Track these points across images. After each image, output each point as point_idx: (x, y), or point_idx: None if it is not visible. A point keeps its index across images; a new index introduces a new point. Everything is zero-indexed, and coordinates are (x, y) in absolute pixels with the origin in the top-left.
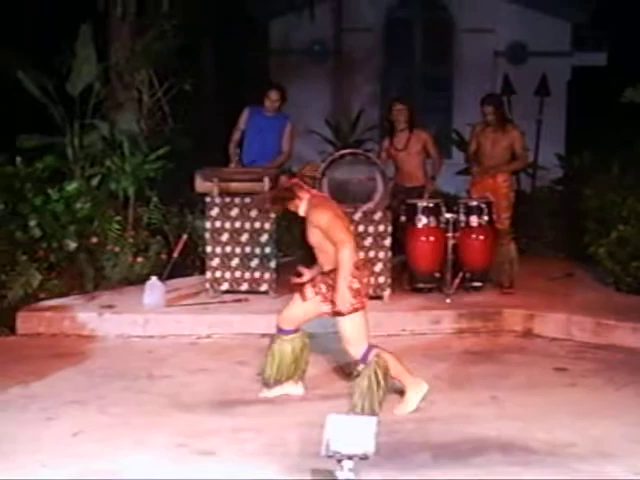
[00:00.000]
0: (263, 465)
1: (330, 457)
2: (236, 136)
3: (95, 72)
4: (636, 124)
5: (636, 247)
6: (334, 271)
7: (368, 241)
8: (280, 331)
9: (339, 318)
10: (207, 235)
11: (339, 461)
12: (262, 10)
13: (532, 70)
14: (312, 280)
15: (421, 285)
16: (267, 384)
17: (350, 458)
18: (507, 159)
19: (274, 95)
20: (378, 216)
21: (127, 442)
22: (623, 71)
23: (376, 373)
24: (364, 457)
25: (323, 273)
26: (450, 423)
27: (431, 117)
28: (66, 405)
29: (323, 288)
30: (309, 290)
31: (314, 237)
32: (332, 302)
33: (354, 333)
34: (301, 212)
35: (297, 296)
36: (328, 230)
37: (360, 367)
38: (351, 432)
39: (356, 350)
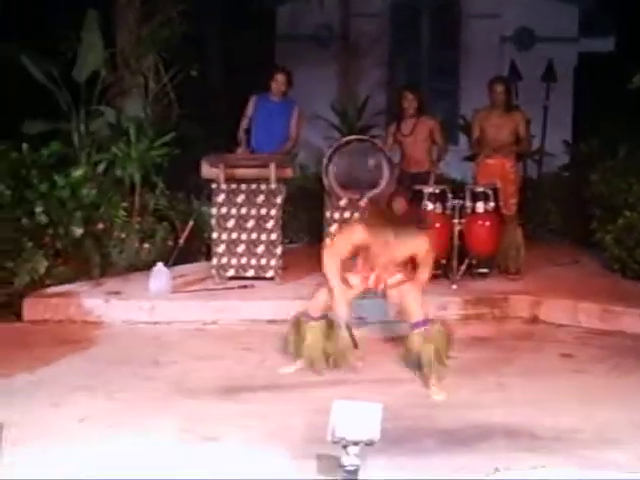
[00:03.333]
0: (268, 451)
1: (335, 443)
2: (244, 123)
3: (101, 58)
4: None
5: None
6: None
7: None
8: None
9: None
10: (213, 221)
11: (344, 447)
12: None
13: (539, 56)
14: None
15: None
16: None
17: (355, 444)
18: (512, 143)
19: (280, 78)
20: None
21: (133, 428)
22: (631, 57)
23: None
24: (369, 443)
25: None
26: (456, 409)
27: (438, 103)
28: (72, 391)
29: None
30: None
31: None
32: None
33: None
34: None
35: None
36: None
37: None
38: (357, 418)
39: None
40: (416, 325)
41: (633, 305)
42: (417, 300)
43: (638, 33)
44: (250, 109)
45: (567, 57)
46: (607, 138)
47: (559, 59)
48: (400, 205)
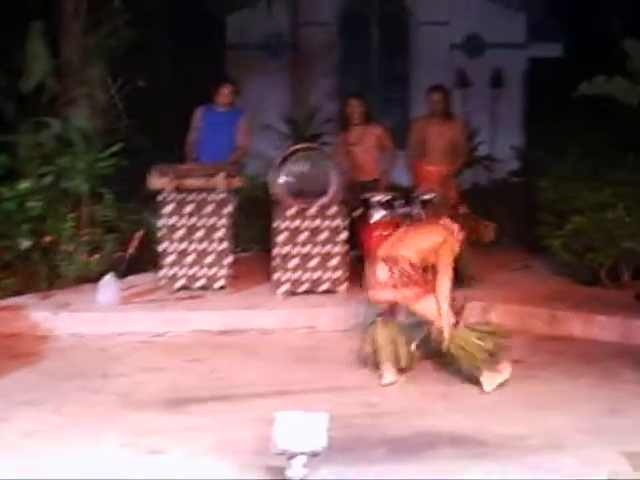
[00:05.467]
0: (214, 464)
1: (280, 455)
2: (192, 137)
3: (47, 69)
4: (592, 115)
5: (591, 238)
6: None
7: (323, 236)
8: None
9: None
10: (162, 232)
11: (290, 458)
12: (218, 5)
13: (488, 62)
14: None
15: None
16: None
17: (299, 455)
18: (450, 151)
19: (226, 89)
20: (333, 210)
21: (79, 442)
22: (579, 62)
23: None
24: (314, 454)
25: None
26: (404, 417)
27: (389, 110)
28: (20, 406)
29: None
30: None
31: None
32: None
33: None
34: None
35: None
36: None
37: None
38: (301, 429)
39: None
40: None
41: (582, 310)
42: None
43: (586, 38)
44: (197, 121)
45: (516, 63)
46: (556, 143)
47: (508, 65)
48: None
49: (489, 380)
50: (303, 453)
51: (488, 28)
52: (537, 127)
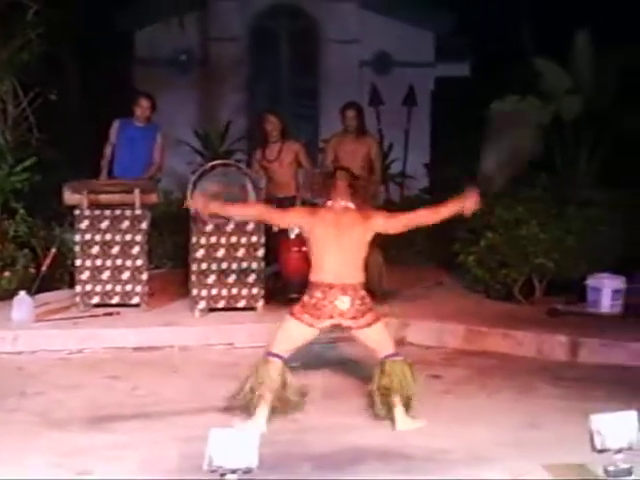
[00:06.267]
0: None
1: (213, 472)
2: (108, 150)
3: None
4: None
5: (504, 254)
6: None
7: (241, 252)
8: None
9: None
10: (77, 248)
11: (222, 475)
12: (127, 20)
13: (397, 80)
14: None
15: (294, 295)
16: None
17: (233, 472)
18: (365, 168)
19: (145, 102)
20: (251, 227)
21: (1, 462)
22: (485, 81)
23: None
24: (247, 470)
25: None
26: (328, 433)
27: (298, 127)
28: None
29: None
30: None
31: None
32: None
33: None
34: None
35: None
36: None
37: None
38: (234, 446)
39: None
40: (392, 355)
41: (497, 325)
42: (387, 335)
43: (492, 58)
44: (113, 135)
45: (424, 81)
46: (465, 162)
47: (416, 83)
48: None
49: (404, 421)
50: (237, 470)
51: (397, 46)
52: (445, 145)
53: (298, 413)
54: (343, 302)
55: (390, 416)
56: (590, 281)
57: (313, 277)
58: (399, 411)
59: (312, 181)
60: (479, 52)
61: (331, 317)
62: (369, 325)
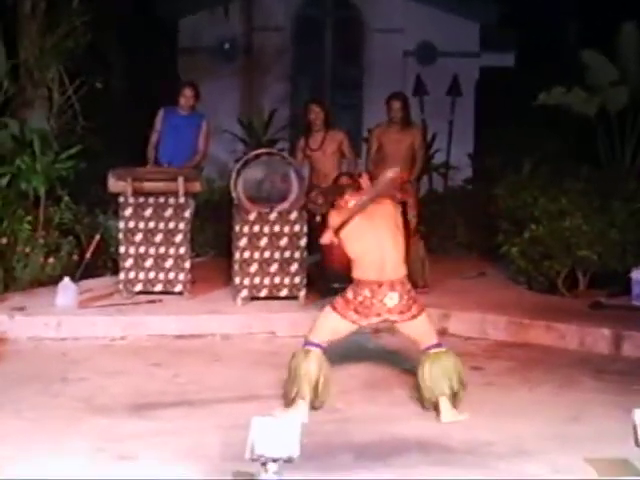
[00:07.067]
0: (184, 469)
1: (254, 460)
2: (154, 138)
3: (4, 69)
4: (545, 125)
5: (548, 246)
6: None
7: (284, 241)
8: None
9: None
10: (120, 235)
11: (263, 464)
12: (171, 8)
13: (441, 70)
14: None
15: (336, 285)
16: None
17: (275, 461)
18: (409, 158)
19: (188, 92)
20: (294, 216)
21: (44, 447)
22: (530, 72)
23: None
24: (289, 460)
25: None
26: (369, 423)
27: (341, 116)
28: None
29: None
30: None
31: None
32: None
33: None
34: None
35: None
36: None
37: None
38: (276, 435)
39: None
40: (435, 345)
41: (540, 317)
42: (431, 325)
43: (537, 49)
44: (159, 123)
45: (469, 72)
46: (509, 152)
47: (461, 73)
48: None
49: (449, 412)
50: (279, 458)
51: (441, 36)
52: (489, 136)
53: (339, 403)
54: (392, 299)
55: (435, 407)
56: (634, 274)
57: (357, 274)
58: (444, 402)
59: (315, 199)
60: (524, 43)
61: (378, 315)
62: (414, 317)
